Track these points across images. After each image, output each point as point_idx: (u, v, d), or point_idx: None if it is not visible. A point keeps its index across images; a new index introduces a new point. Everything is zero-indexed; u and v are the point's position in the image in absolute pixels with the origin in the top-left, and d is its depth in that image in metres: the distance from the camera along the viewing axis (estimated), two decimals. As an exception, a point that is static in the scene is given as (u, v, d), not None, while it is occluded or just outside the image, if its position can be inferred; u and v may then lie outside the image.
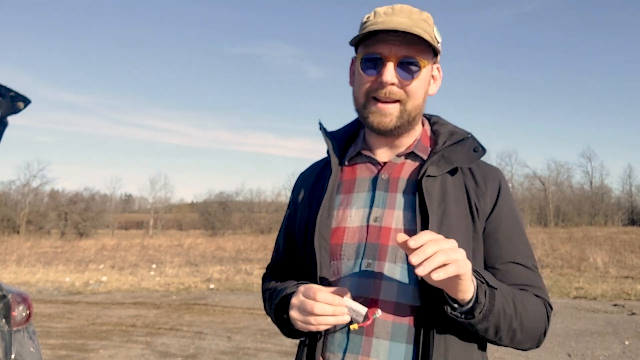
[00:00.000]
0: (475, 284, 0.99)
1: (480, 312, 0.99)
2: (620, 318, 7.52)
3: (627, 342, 6.08)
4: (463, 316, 1.00)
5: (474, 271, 1.00)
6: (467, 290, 0.97)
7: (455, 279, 0.94)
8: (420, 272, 0.89)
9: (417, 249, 0.90)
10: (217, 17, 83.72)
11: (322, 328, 1.05)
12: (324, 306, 1.02)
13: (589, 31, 71.01)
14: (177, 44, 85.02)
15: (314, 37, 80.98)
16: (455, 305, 1.00)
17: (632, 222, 41.40)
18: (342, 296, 1.04)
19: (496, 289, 1.02)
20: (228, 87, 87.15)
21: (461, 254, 0.93)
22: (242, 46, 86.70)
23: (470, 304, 0.99)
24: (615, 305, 8.60)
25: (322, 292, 1.04)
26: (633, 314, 7.81)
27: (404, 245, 0.93)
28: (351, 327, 1.03)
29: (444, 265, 0.90)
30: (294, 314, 1.07)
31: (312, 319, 1.03)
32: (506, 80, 75.25)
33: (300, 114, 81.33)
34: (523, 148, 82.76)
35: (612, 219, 42.50)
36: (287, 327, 1.16)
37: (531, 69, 73.55)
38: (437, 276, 0.89)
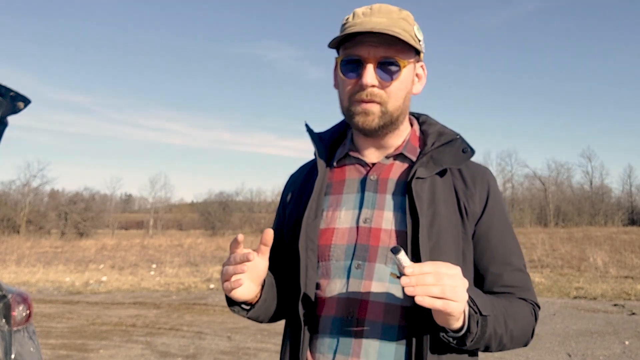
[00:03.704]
0: (467, 313, 0.98)
1: (471, 341, 1.00)
2: (620, 318, 7.52)
3: (627, 342, 6.08)
4: (455, 341, 1.01)
5: (469, 298, 0.99)
6: (455, 323, 0.97)
7: (444, 314, 0.94)
8: (409, 291, 0.90)
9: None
10: (217, 17, 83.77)
11: (233, 279, 1.03)
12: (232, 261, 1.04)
13: (589, 31, 71.07)
14: (177, 44, 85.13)
15: (314, 38, 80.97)
16: (448, 331, 1.01)
17: (632, 222, 41.38)
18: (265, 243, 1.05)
19: (489, 315, 1.01)
20: (228, 87, 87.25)
21: (460, 295, 0.93)
22: (242, 46, 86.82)
23: (462, 333, 1.00)
24: (615, 305, 8.59)
25: (233, 254, 1.04)
26: (633, 314, 7.81)
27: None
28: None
29: (436, 297, 0.91)
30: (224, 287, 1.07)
31: (225, 277, 1.04)
32: (506, 81, 75.32)
33: (300, 114, 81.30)
34: (523, 148, 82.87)
35: (612, 219, 42.48)
36: (238, 307, 1.15)
37: (531, 69, 73.64)
38: (421, 300, 0.90)
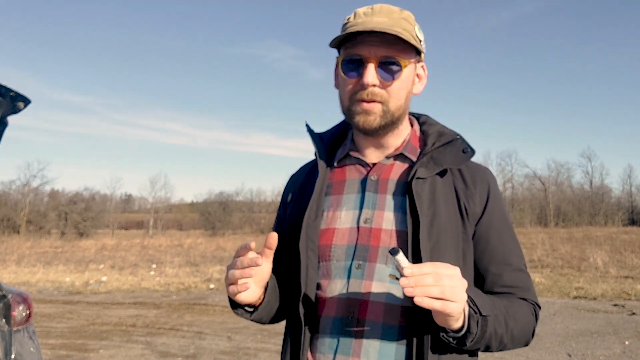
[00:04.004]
0: (467, 313, 0.98)
1: (471, 341, 1.00)
2: (620, 318, 7.52)
3: (627, 342, 6.08)
4: (455, 342, 1.01)
5: (468, 298, 0.99)
6: (455, 324, 0.98)
7: (443, 314, 0.94)
8: (409, 292, 0.90)
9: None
10: (217, 17, 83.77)
11: (240, 283, 1.04)
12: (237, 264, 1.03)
13: (589, 31, 71.07)
14: (177, 44, 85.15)
15: (314, 38, 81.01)
16: (448, 331, 1.01)
17: (632, 222, 41.38)
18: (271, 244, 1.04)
19: (489, 316, 1.01)
20: (228, 87, 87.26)
21: (460, 295, 0.93)
22: (242, 46, 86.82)
23: (462, 333, 1.00)
24: (615, 305, 8.60)
25: (238, 259, 1.04)
26: (633, 314, 7.81)
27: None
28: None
29: (435, 298, 0.91)
30: (228, 290, 1.06)
31: (231, 281, 1.04)
32: (506, 81, 75.31)
33: (300, 114, 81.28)
34: (523, 148, 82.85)
35: (612, 219, 42.47)
36: (242, 310, 1.15)
37: (531, 69, 73.62)
38: (420, 301, 0.90)
